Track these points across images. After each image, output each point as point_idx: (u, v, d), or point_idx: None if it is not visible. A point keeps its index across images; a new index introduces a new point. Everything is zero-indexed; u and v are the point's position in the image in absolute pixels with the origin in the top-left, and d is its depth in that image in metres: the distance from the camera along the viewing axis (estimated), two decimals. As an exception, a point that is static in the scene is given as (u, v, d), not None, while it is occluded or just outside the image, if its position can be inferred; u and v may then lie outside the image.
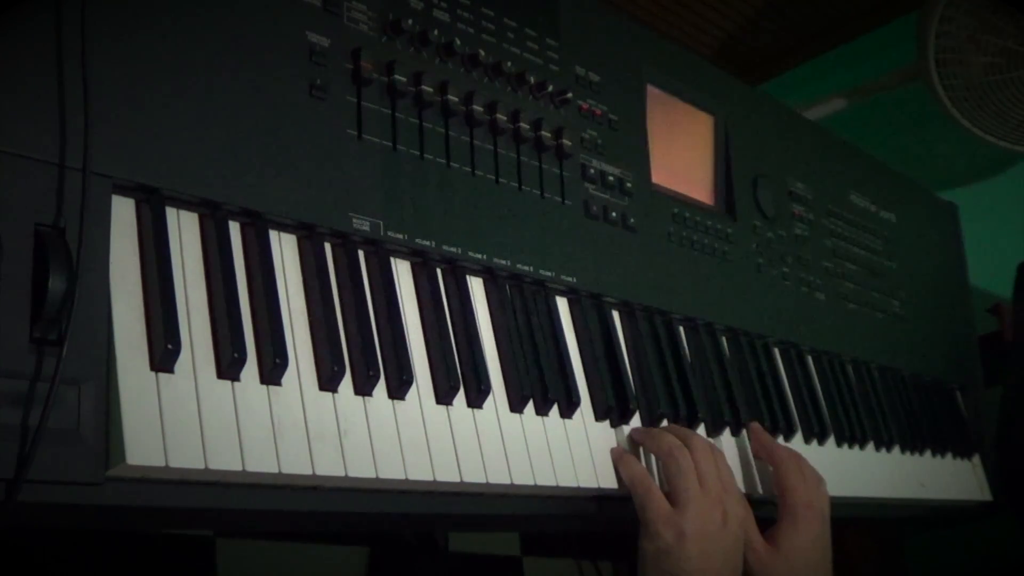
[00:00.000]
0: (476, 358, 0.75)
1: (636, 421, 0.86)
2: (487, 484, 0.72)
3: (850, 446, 1.11)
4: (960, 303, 1.46)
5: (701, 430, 0.92)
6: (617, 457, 0.81)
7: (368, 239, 0.72)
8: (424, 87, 0.77)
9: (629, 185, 0.94)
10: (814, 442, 1.06)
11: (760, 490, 0.95)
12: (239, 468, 0.58)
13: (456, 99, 0.79)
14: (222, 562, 1.24)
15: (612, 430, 0.84)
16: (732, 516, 0.81)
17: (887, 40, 1.80)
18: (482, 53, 0.82)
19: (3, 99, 0.55)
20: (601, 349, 0.86)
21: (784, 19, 1.85)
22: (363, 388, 0.67)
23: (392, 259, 0.74)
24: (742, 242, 1.06)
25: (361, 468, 0.64)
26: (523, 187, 0.84)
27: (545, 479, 0.75)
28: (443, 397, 0.72)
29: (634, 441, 0.84)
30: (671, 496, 0.80)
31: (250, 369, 0.62)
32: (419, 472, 0.67)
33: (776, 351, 1.09)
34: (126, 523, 0.63)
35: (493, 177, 0.82)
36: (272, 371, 0.62)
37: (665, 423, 0.88)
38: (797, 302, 1.13)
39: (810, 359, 1.13)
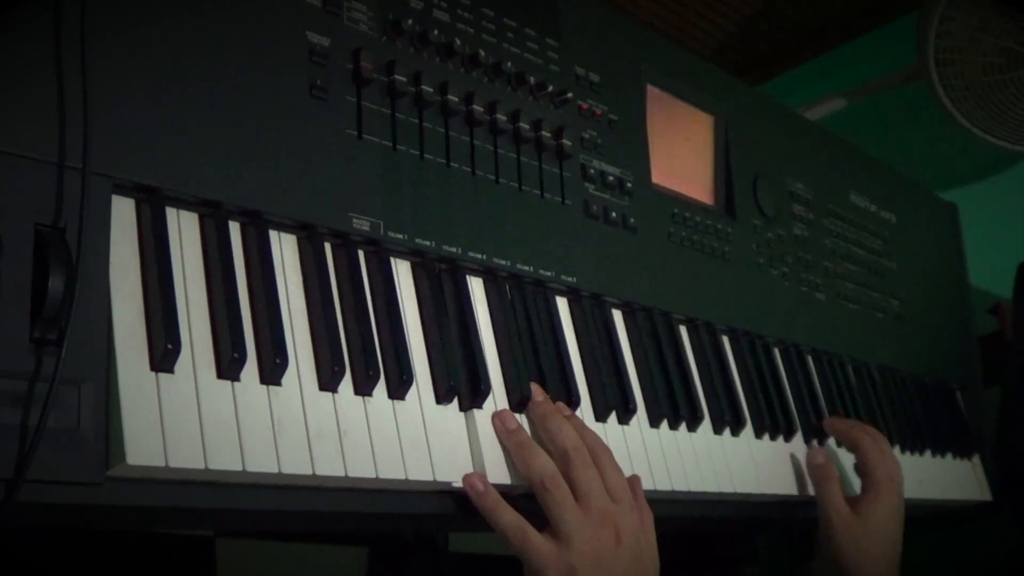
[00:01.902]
0: (476, 358, 0.75)
1: (636, 421, 0.86)
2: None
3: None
4: (960, 303, 1.46)
5: (704, 429, 0.92)
6: (488, 508, 0.71)
7: (368, 239, 0.72)
8: (424, 87, 0.77)
9: (629, 185, 0.94)
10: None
11: (766, 489, 0.95)
12: (239, 468, 0.58)
13: (456, 99, 0.79)
14: (222, 562, 1.24)
15: (612, 431, 0.84)
16: (625, 530, 0.74)
17: (887, 40, 1.80)
18: (482, 53, 0.82)
19: (3, 99, 0.55)
20: (601, 349, 0.86)
21: (784, 19, 1.85)
22: (363, 388, 0.67)
23: (392, 259, 0.74)
24: (742, 242, 1.06)
25: (361, 468, 0.64)
26: (523, 187, 0.84)
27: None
28: (443, 397, 0.72)
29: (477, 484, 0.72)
30: (552, 531, 0.72)
31: (250, 369, 0.62)
32: (419, 472, 0.67)
33: (776, 351, 1.09)
34: (126, 523, 0.62)
35: (493, 177, 0.82)
36: (272, 371, 0.62)
37: (539, 407, 0.77)
38: (797, 302, 1.13)
39: (810, 359, 1.13)
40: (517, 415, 0.76)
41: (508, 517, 0.71)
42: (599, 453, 0.77)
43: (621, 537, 0.73)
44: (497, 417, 0.75)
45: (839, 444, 1.08)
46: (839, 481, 1.00)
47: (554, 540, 0.71)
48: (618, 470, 0.77)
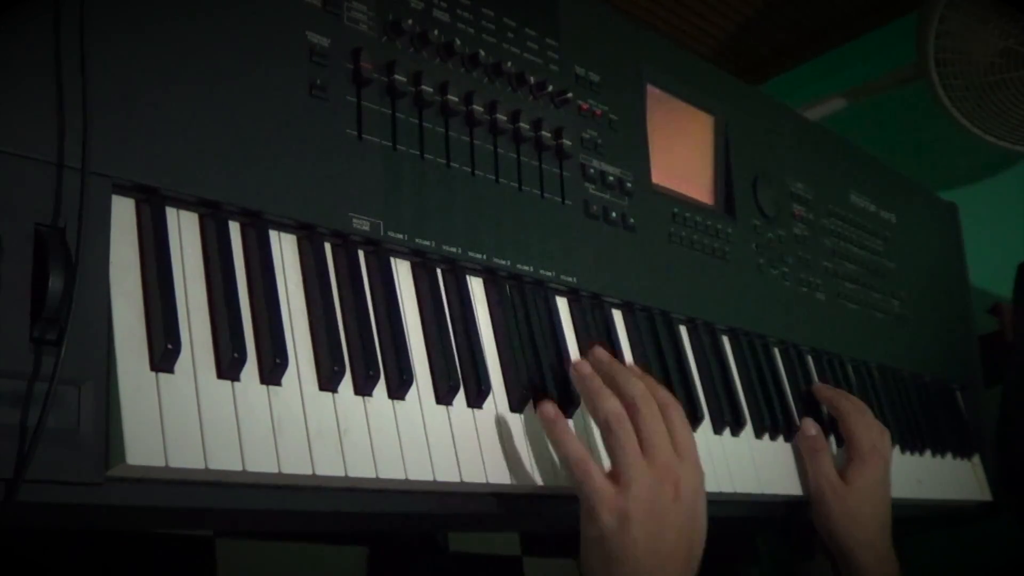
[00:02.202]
0: (476, 358, 0.75)
1: (636, 421, 0.86)
2: (487, 484, 0.72)
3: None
4: (960, 303, 1.46)
5: (704, 429, 0.92)
6: (557, 434, 0.73)
7: (368, 239, 0.72)
8: (424, 87, 0.77)
9: (629, 185, 0.94)
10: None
11: (766, 489, 0.95)
12: (239, 468, 0.58)
13: (456, 99, 0.79)
14: (222, 562, 1.24)
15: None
16: (686, 487, 0.73)
17: (887, 40, 1.80)
18: (482, 53, 0.82)
19: (3, 99, 0.55)
20: (601, 349, 0.86)
21: (784, 19, 1.85)
22: (363, 388, 0.67)
23: (392, 259, 0.74)
24: (742, 242, 1.06)
25: (361, 468, 0.64)
26: (523, 187, 0.84)
27: (545, 479, 0.75)
28: (443, 397, 0.72)
29: (549, 417, 0.75)
30: (613, 473, 0.72)
31: (250, 369, 0.62)
32: (419, 472, 0.67)
33: (776, 351, 1.09)
34: (126, 523, 0.62)
35: (493, 177, 0.82)
36: (272, 371, 0.62)
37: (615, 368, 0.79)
38: (797, 302, 1.13)
39: (810, 359, 1.13)
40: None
41: (575, 448, 0.72)
42: (669, 408, 0.77)
43: (680, 493, 0.73)
44: (573, 368, 0.77)
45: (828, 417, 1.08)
46: (829, 453, 1.01)
47: (614, 482, 0.72)
48: (687, 427, 0.77)
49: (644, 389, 0.76)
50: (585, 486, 0.71)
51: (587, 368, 0.77)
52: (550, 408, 0.73)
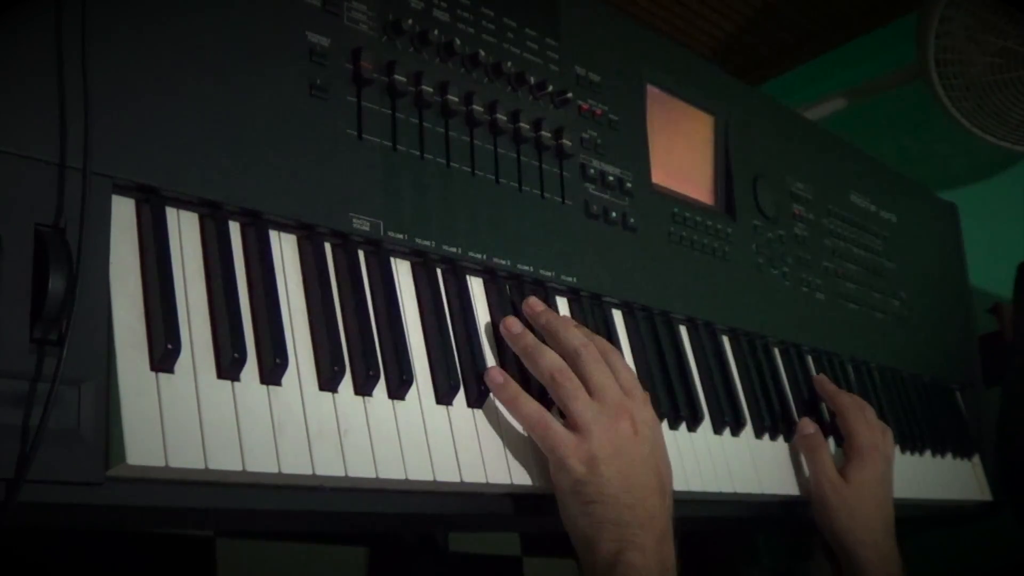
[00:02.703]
0: (476, 358, 0.75)
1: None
2: (487, 484, 0.72)
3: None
4: (960, 303, 1.46)
5: (704, 429, 0.92)
6: (509, 398, 0.74)
7: (368, 239, 0.72)
8: (424, 87, 0.77)
9: (629, 185, 0.94)
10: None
11: (766, 489, 0.95)
12: (239, 468, 0.58)
13: (456, 99, 0.79)
14: (222, 562, 1.25)
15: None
16: (642, 422, 0.76)
17: (887, 40, 1.80)
18: (482, 53, 0.82)
19: (3, 99, 0.55)
20: (601, 349, 0.86)
21: (784, 19, 1.85)
22: (363, 388, 0.67)
23: (392, 259, 0.74)
24: (742, 242, 1.06)
25: (361, 468, 0.64)
26: (523, 187, 0.84)
27: (545, 479, 0.75)
28: (443, 397, 0.72)
29: (495, 381, 0.75)
30: (570, 424, 0.74)
31: (250, 369, 0.62)
32: (419, 472, 0.67)
33: (776, 351, 1.09)
34: (126, 523, 0.62)
35: (493, 177, 0.82)
36: (272, 371, 0.62)
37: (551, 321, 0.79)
38: (797, 302, 1.13)
39: (810, 359, 1.13)
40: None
41: (530, 407, 0.74)
42: (608, 352, 0.78)
43: (638, 428, 0.75)
44: (502, 324, 0.77)
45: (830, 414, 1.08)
46: (828, 450, 1.01)
47: (574, 431, 0.73)
48: (628, 368, 0.79)
49: (583, 336, 0.78)
50: (547, 439, 0.73)
51: (518, 326, 0.77)
52: (497, 373, 0.74)
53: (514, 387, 0.74)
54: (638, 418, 0.76)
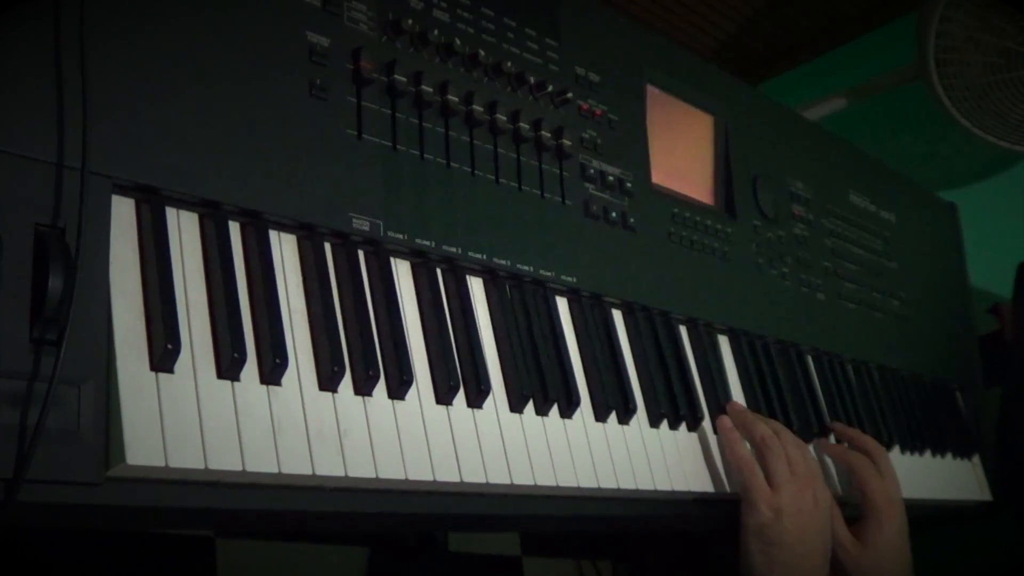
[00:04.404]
0: (476, 358, 0.75)
1: (636, 421, 0.86)
2: (487, 484, 0.72)
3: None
4: (960, 303, 1.46)
5: (704, 429, 0.92)
6: (732, 440, 0.90)
7: (368, 239, 0.72)
8: (424, 87, 0.77)
9: (629, 185, 0.94)
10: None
11: None
12: (239, 468, 0.58)
13: (456, 99, 0.79)
14: (222, 562, 1.24)
15: (612, 430, 0.84)
16: (822, 499, 0.90)
17: (887, 40, 1.80)
18: (482, 53, 0.82)
19: (3, 99, 0.55)
20: (601, 349, 0.86)
21: (784, 19, 1.85)
22: (363, 388, 0.67)
23: (392, 259, 0.74)
24: (742, 242, 1.06)
25: (361, 468, 0.64)
26: (523, 187, 0.84)
27: (545, 479, 0.75)
28: (443, 397, 0.72)
29: (726, 427, 0.91)
30: (768, 479, 0.88)
31: (250, 369, 0.62)
32: (419, 472, 0.67)
33: (776, 351, 1.08)
34: (126, 523, 0.62)
35: (493, 177, 0.82)
36: (272, 371, 0.62)
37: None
38: (797, 302, 1.13)
39: (810, 359, 1.13)
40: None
41: (745, 451, 0.90)
42: (802, 443, 0.94)
43: (819, 502, 0.90)
44: (719, 422, 0.92)
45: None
46: (840, 515, 0.98)
47: (770, 485, 0.88)
48: (816, 460, 0.95)
49: (780, 426, 0.95)
50: (750, 482, 0.88)
51: (729, 421, 0.92)
52: (727, 420, 0.92)
53: (736, 433, 0.91)
54: (820, 495, 0.91)
